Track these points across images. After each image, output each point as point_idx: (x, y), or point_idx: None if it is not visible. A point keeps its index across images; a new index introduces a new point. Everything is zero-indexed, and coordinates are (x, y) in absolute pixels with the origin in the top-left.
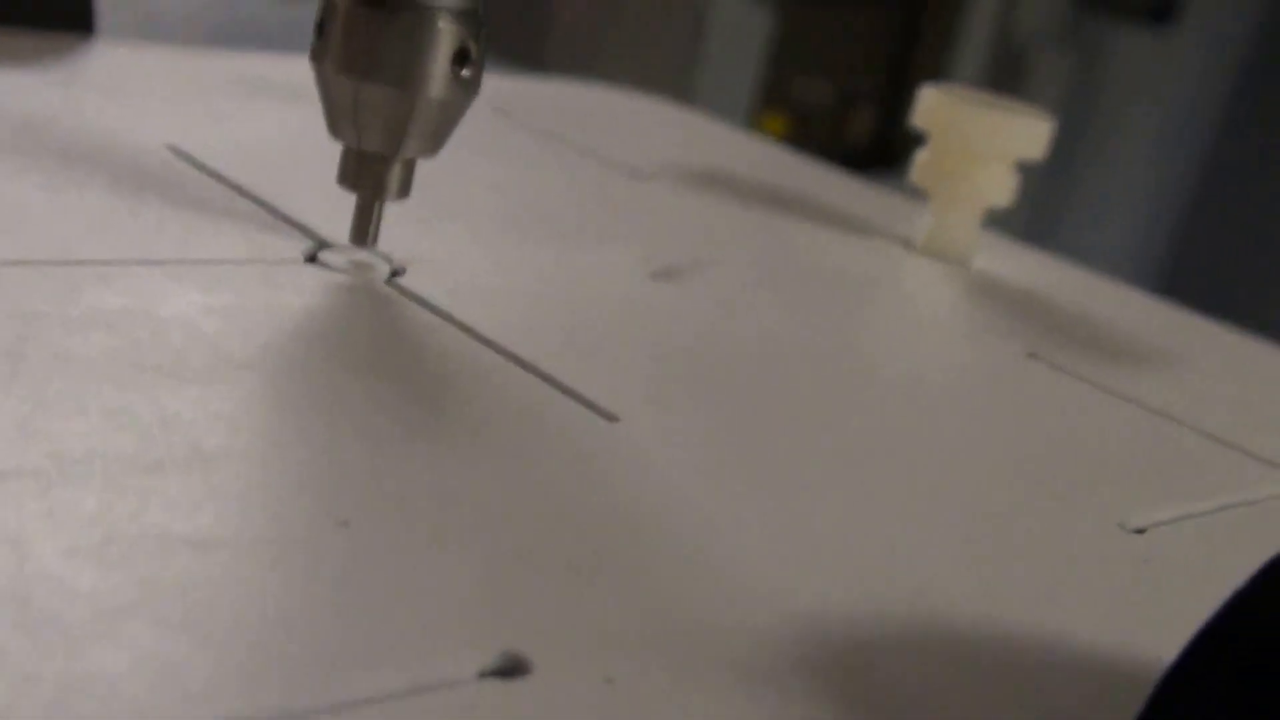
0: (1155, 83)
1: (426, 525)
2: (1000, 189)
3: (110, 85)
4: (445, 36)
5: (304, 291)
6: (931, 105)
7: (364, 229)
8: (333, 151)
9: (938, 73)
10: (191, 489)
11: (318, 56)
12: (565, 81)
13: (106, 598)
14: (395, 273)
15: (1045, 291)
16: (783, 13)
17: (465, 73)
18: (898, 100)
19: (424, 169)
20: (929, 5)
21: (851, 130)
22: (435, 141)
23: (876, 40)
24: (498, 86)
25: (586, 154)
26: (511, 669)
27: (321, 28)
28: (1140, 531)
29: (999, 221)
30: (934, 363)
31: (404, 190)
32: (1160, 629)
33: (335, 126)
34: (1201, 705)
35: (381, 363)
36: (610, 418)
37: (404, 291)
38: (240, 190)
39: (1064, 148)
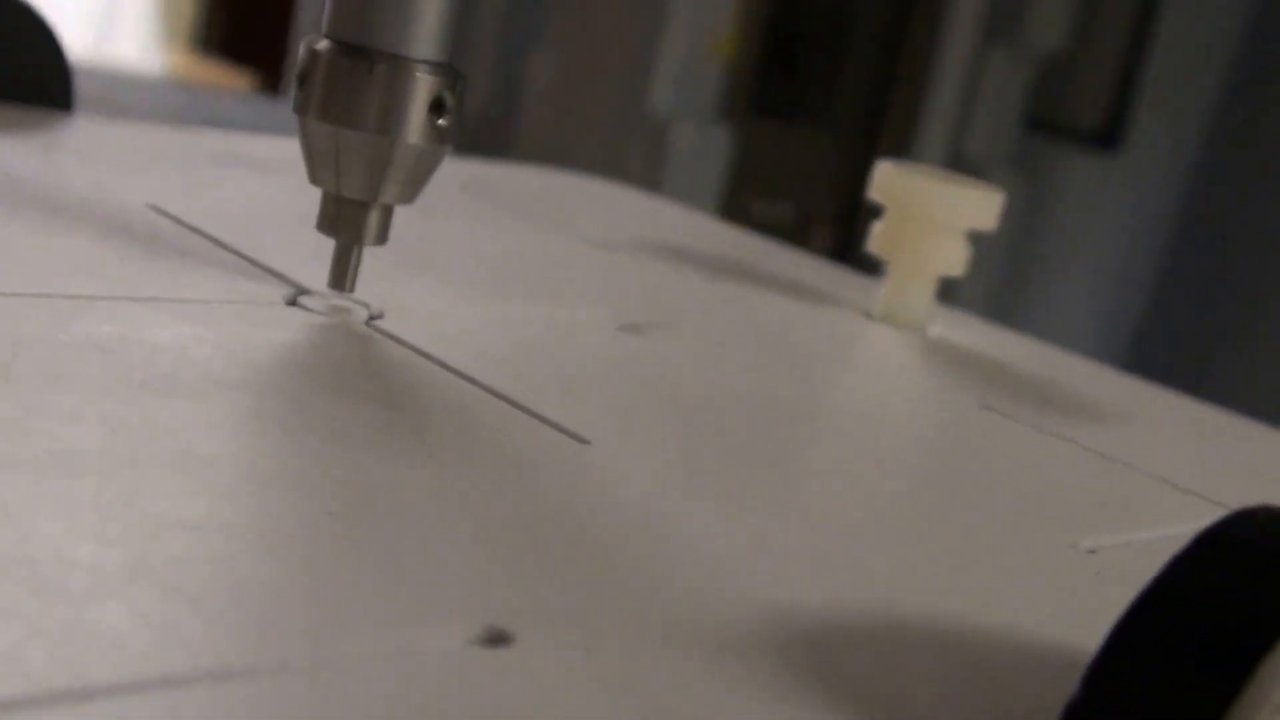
0: (1103, 204)
1: (410, 518)
2: (954, 259)
3: (91, 153)
4: (423, 86)
5: (287, 329)
6: (887, 178)
7: (343, 273)
8: (307, 214)
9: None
10: (185, 483)
11: (300, 107)
12: (533, 168)
13: (106, 568)
14: (373, 317)
15: (998, 355)
16: (742, 134)
17: (441, 122)
18: (854, 219)
19: (398, 231)
20: (883, 128)
21: (810, 249)
22: (412, 188)
23: (833, 161)
24: (467, 169)
25: (555, 227)
26: (495, 639)
27: (303, 80)
28: (1092, 552)
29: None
30: (893, 410)
31: (381, 236)
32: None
33: (315, 174)
34: (1130, 679)
35: (363, 388)
36: (581, 440)
37: (382, 332)
38: (221, 244)
39: (1015, 266)
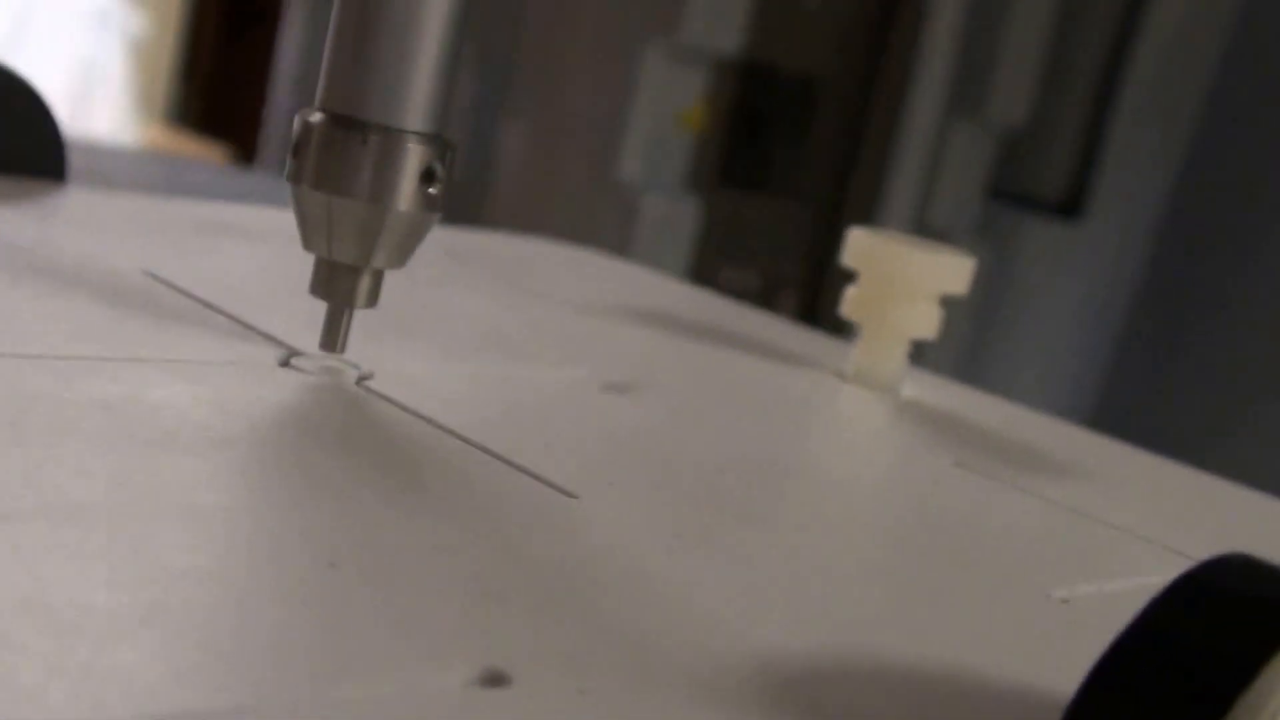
0: (1066, 271)
1: (408, 568)
2: (926, 322)
3: (84, 222)
4: (414, 156)
5: (281, 388)
6: (861, 244)
7: (334, 336)
8: (296, 280)
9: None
10: (191, 534)
11: (294, 176)
12: (510, 235)
13: (120, 613)
14: (363, 378)
15: (969, 415)
16: (710, 204)
17: (432, 190)
18: (821, 287)
19: (385, 295)
20: (849, 198)
21: (777, 315)
22: (402, 253)
23: (800, 230)
24: (449, 236)
25: (535, 292)
26: (493, 681)
27: (297, 150)
28: (1065, 601)
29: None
30: (869, 467)
31: (372, 299)
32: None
33: (309, 240)
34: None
35: (356, 445)
36: (570, 495)
37: (373, 391)
38: (215, 308)
39: (981, 331)
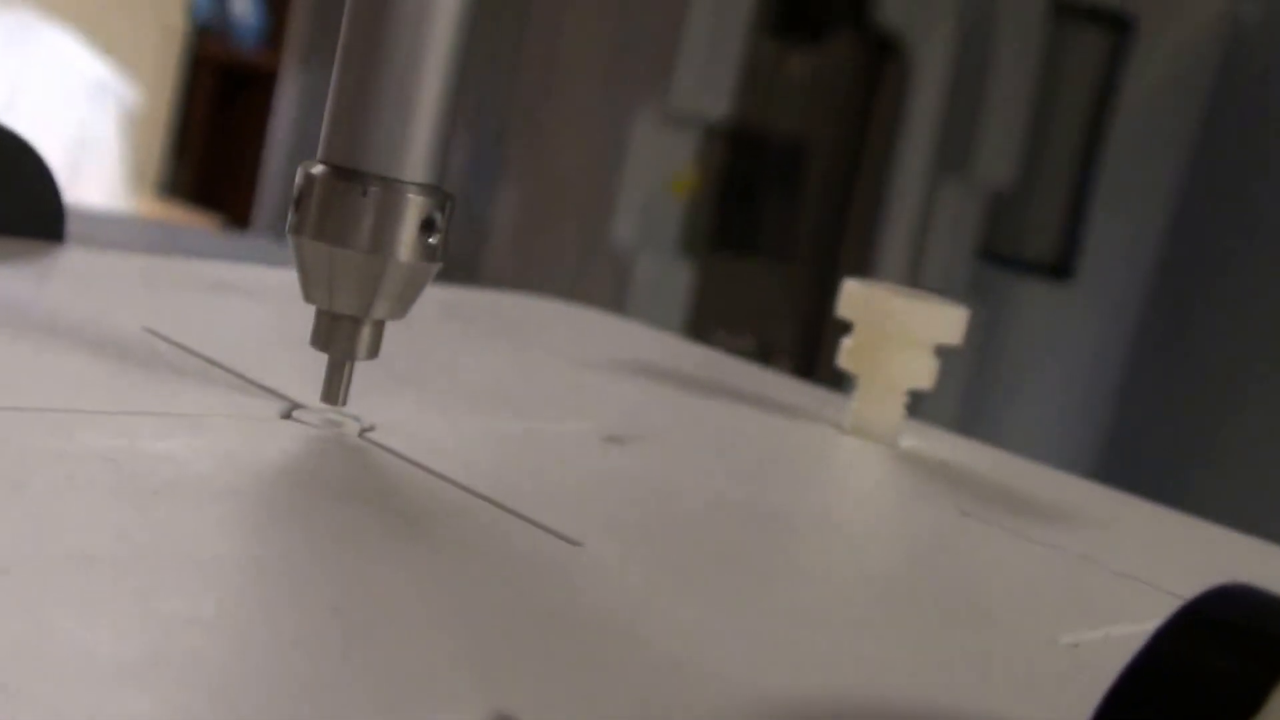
0: (1059, 331)
1: (413, 615)
2: (923, 372)
3: (84, 280)
4: (414, 207)
5: (283, 440)
6: (855, 295)
7: (335, 388)
8: (295, 336)
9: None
10: (195, 583)
11: (295, 228)
12: (508, 293)
13: (125, 660)
14: (365, 430)
15: (970, 465)
16: (703, 267)
17: (432, 240)
18: (815, 349)
19: (384, 350)
20: (840, 260)
21: None
22: (403, 304)
23: (793, 293)
24: (445, 294)
25: (533, 347)
26: None
27: (299, 202)
28: (1074, 646)
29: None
30: (873, 515)
31: (373, 351)
32: None
33: (309, 291)
34: None
35: (360, 495)
36: (573, 543)
37: (375, 443)
38: (215, 363)
39: (975, 392)
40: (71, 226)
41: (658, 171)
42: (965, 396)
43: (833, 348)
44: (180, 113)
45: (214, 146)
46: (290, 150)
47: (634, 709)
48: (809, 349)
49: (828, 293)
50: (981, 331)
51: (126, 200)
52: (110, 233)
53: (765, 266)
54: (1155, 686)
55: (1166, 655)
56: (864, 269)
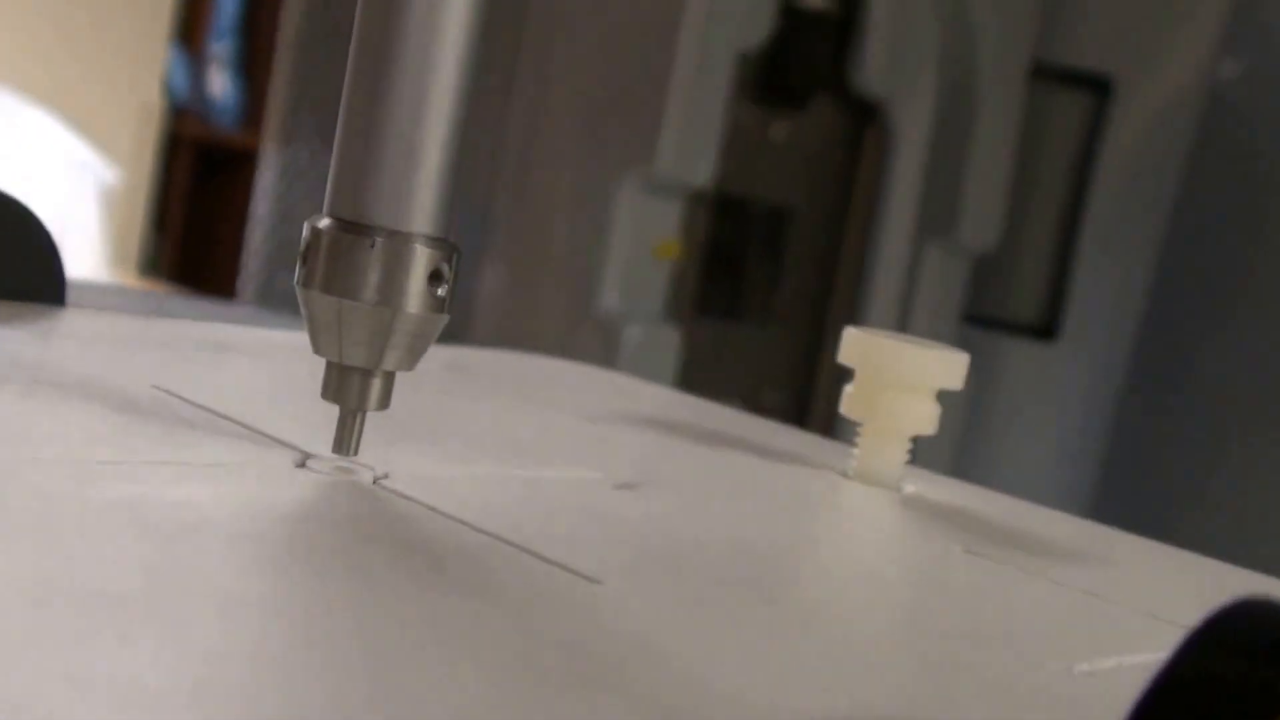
0: (1045, 393)
1: (440, 646)
2: (925, 418)
3: (88, 340)
4: (421, 258)
5: (299, 487)
6: (857, 343)
7: (347, 438)
8: (303, 391)
9: (837, 390)
10: (227, 618)
11: (304, 282)
12: (508, 352)
13: (166, 690)
14: (379, 478)
15: (975, 508)
16: (689, 333)
17: (440, 291)
18: (804, 414)
19: (392, 404)
20: (827, 325)
21: None
22: (412, 355)
23: (780, 359)
24: (446, 352)
25: (537, 401)
26: None
27: (306, 256)
28: (1089, 675)
29: None
30: (881, 554)
31: (383, 402)
32: None
33: (319, 344)
34: None
35: (379, 537)
36: (592, 580)
37: (390, 490)
38: (226, 417)
39: (964, 451)
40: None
41: (643, 239)
42: (955, 457)
43: (821, 411)
44: (159, 191)
45: (193, 224)
46: (272, 225)
47: None
48: (798, 413)
49: (814, 357)
50: (969, 393)
51: (109, 278)
52: (103, 300)
53: (752, 332)
54: (1182, 698)
55: (1192, 667)
56: None
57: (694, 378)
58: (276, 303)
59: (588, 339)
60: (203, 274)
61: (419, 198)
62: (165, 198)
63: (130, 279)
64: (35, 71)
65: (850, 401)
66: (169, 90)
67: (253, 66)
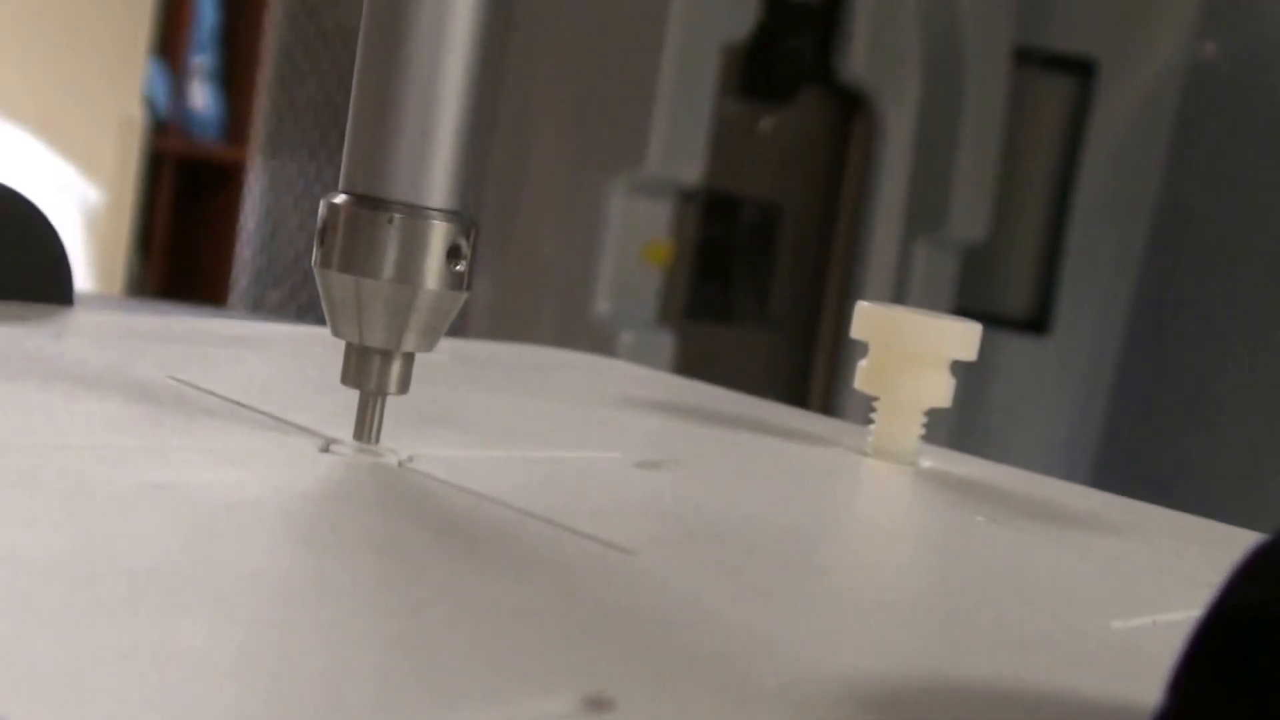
0: (1037, 386)
1: (489, 612)
2: (941, 390)
3: (102, 336)
4: (439, 233)
5: (327, 469)
6: (868, 316)
7: (368, 423)
8: (318, 382)
9: (831, 388)
10: (269, 590)
11: (321, 262)
12: (513, 344)
13: (219, 657)
14: (404, 461)
15: (992, 481)
16: (683, 336)
17: (458, 267)
18: None
19: (409, 392)
20: (819, 324)
21: None
22: (431, 335)
23: (774, 358)
24: (452, 345)
25: (548, 388)
26: (598, 705)
27: (323, 236)
28: (1126, 630)
29: None
30: (907, 522)
31: (403, 386)
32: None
33: (338, 326)
34: (1215, 682)
35: (412, 514)
36: (626, 551)
37: (417, 471)
38: (245, 406)
39: (953, 448)
40: None
41: (635, 242)
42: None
43: (816, 409)
44: (143, 209)
45: (178, 240)
46: (261, 238)
47: (718, 682)
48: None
49: (808, 355)
50: (961, 388)
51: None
52: (106, 306)
53: (745, 332)
54: (1236, 629)
55: (1241, 599)
56: (842, 331)
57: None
58: (266, 315)
59: (580, 345)
60: (189, 291)
61: (435, 171)
62: (149, 215)
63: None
64: (14, 91)
65: (865, 376)
66: (150, 105)
67: (233, 78)
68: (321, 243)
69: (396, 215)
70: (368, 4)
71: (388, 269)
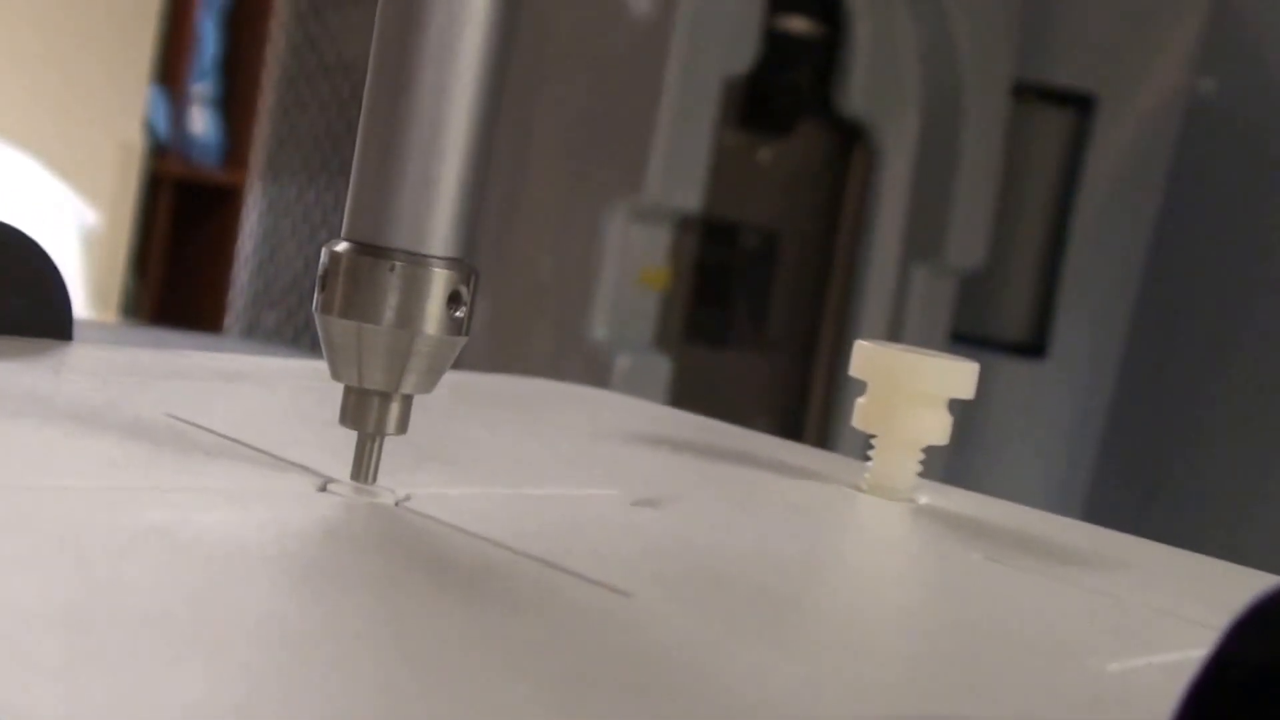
0: (1035, 410)
1: (481, 658)
2: (938, 428)
3: (99, 372)
4: (439, 280)
5: (325, 510)
6: (866, 355)
7: (366, 464)
8: (316, 417)
9: (828, 414)
10: (268, 637)
11: (322, 307)
12: (511, 376)
13: (222, 708)
14: (401, 500)
15: (988, 518)
16: (680, 360)
17: (458, 314)
18: (796, 439)
19: (410, 430)
20: (817, 349)
21: None
22: (431, 378)
23: (772, 383)
24: (450, 377)
25: (545, 422)
26: None
27: (324, 281)
28: (1122, 673)
29: None
30: (902, 563)
31: (402, 427)
32: None
33: (337, 369)
34: None
35: (409, 556)
36: (623, 594)
37: (414, 511)
38: (243, 443)
39: (953, 477)
40: None
41: (632, 267)
42: (945, 477)
43: (813, 436)
44: (140, 233)
45: (174, 264)
46: (259, 262)
47: None
48: (791, 434)
49: (805, 382)
50: (958, 413)
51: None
52: (99, 336)
53: (742, 358)
54: (1232, 684)
55: (1239, 654)
56: (840, 357)
57: (685, 406)
58: (262, 338)
59: (577, 370)
60: (184, 315)
61: (437, 219)
62: (146, 239)
63: (111, 321)
64: (15, 114)
65: (863, 414)
66: (150, 130)
67: (233, 105)
68: (323, 288)
69: (398, 263)
70: (373, 55)
71: (388, 315)
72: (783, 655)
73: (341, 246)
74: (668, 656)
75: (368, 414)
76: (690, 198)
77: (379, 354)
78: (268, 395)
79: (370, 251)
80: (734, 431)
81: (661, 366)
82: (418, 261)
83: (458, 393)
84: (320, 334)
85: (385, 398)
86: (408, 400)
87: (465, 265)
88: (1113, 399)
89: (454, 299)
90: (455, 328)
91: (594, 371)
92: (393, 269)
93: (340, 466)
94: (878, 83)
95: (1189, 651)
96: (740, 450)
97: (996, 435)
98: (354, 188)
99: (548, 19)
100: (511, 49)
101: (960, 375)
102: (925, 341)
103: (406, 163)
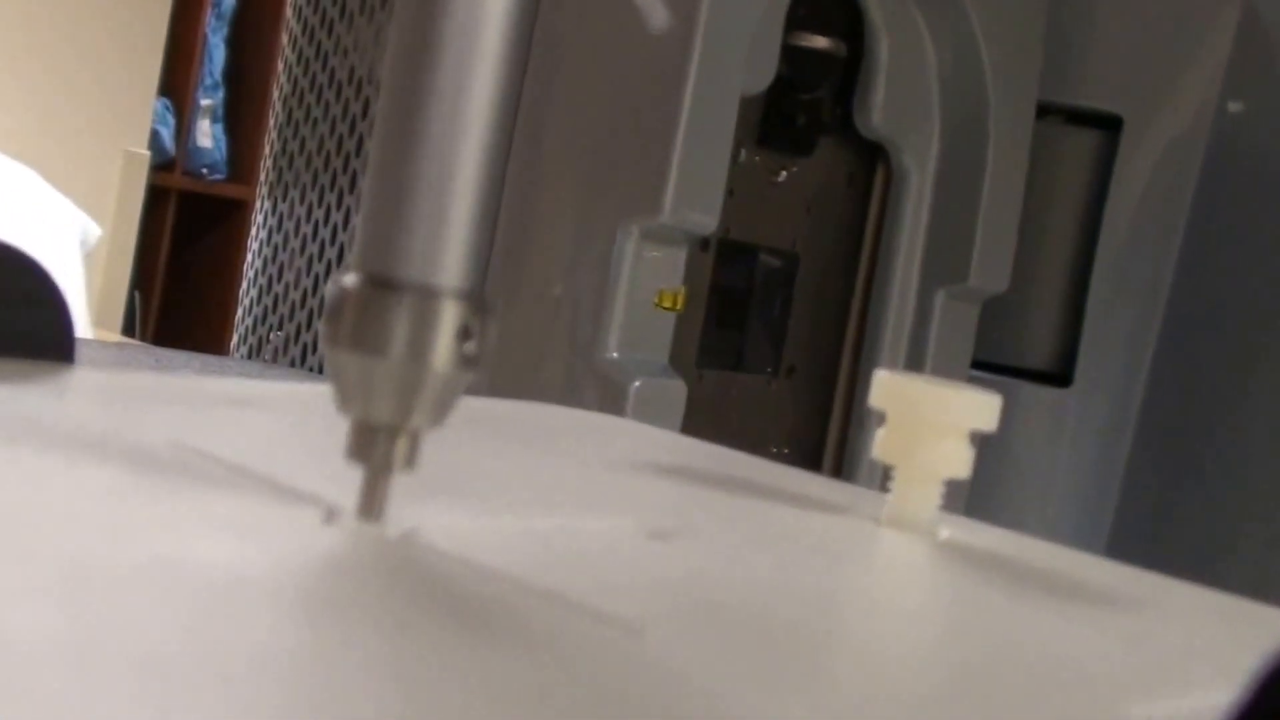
0: (1060, 439)
1: (483, 701)
2: (959, 460)
3: (102, 398)
4: (449, 313)
5: (330, 543)
6: (887, 385)
7: (372, 500)
8: (322, 445)
9: (846, 441)
10: (275, 675)
11: (330, 339)
12: (519, 402)
13: None
14: (407, 533)
15: (1010, 553)
16: (696, 384)
17: (468, 347)
18: (815, 464)
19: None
20: (837, 374)
21: None
22: (439, 412)
23: (789, 407)
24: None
25: (555, 451)
26: None
27: (333, 314)
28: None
29: None
30: (924, 598)
31: (410, 461)
32: None
33: (345, 402)
34: None
35: (414, 592)
36: (634, 630)
37: (421, 544)
38: (249, 472)
39: (977, 506)
40: None
41: (648, 289)
42: (968, 507)
43: (831, 464)
44: (144, 248)
45: (178, 277)
46: (266, 279)
47: None
48: (808, 465)
49: (824, 408)
50: (982, 441)
51: (91, 336)
52: (100, 357)
53: (759, 382)
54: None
55: (1267, 700)
56: (859, 382)
57: (700, 430)
58: (268, 358)
59: (591, 393)
60: (188, 331)
61: (449, 252)
62: (151, 254)
63: (113, 337)
64: (19, 127)
65: (883, 446)
66: (155, 144)
67: (239, 119)
68: (331, 321)
69: (407, 295)
70: (384, 83)
71: (398, 348)
72: (796, 696)
73: (350, 278)
74: (681, 696)
75: (375, 450)
76: (709, 220)
77: (387, 388)
78: (275, 421)
79: (380, 284)
80: (750, 461)
81: (676, 390)
82: (428, 294)
83: (468, 420)
84: (327, 367)
85: (393, 432)
86: (416, 434)
87: (477, 298)
88: (1139, 426)
89: (464, 333)
90: (466, 362)
91: (607, 394)
92: (402, 301)
93: (347, 495)
94: (900, 102)
95: (1215, 694)
96: (756, 481)
97: (1019, 465)
98: (364, 218)
99: (562, 38)
100: (524, 76)
101: (983, 407)
102: (947, 367)
103: (418, 194)
